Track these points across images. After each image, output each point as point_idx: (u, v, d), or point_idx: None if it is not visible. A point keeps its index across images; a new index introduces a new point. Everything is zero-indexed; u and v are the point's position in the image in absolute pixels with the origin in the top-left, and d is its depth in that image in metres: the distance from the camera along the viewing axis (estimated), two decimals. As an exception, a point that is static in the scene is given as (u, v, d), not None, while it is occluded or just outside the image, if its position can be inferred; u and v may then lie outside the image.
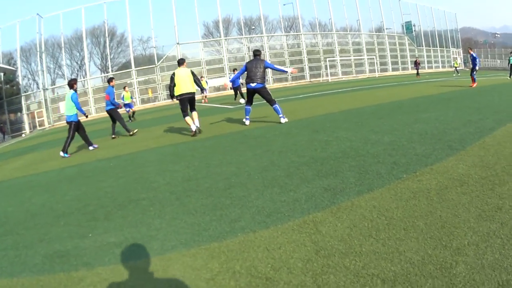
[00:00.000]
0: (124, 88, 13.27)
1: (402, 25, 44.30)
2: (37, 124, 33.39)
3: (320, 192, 2.52)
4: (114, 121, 9.07)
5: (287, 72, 8.23)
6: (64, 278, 1.99)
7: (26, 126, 33.15)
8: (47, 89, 33.10)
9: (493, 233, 1.61)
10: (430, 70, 44.07)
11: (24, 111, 33.05)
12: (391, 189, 2.37)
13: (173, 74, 6.71)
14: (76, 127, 7.27)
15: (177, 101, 6.83)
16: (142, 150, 6.12)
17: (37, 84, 34.63)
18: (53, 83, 34.38)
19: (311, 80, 35.33)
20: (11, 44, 35.05)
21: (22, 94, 32.81)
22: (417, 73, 26.11)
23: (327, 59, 35.26)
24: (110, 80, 9.24)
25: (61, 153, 7.03)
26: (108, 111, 9.09)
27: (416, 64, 26.87)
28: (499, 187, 2.17)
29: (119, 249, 2.26)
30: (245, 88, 7.00)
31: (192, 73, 6.84)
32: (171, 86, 6.75)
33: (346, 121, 5.72)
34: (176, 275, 1.76)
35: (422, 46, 44.79)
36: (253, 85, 6.52)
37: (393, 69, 41.06)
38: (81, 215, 3.16)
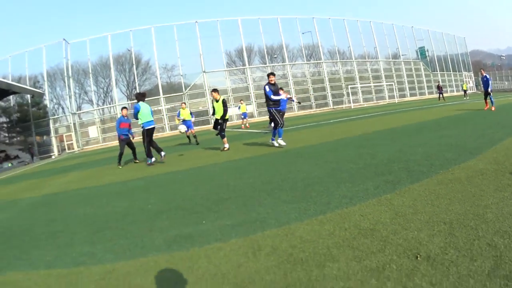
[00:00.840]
0: (182, 104, 13.37)
1: (416, 51, 45.32)
2: (66, 147, 33.88)
3: (382, 184, 3.44)
4: (132, 148, 9.71)
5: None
6: (194, 253, 2.49)
7: (55, 148, 33.73)
8: (75, 113, 33.70)
9: (505, 198, 2.63)
10: (445, 95, 44.86)
11: (53, 134, 33.59)
12: (434, 179, 3.35)
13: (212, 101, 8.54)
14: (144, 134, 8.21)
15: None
16: (201, 166, 6.88)
17: (63, 108, 35.16)
18: (79, 108, 34.99)
19: (334, 107, 36.01)
20: (37, 67, 35.62)
21: (50, 117, 33.37)
22: (439, 97, 26.77)
23: (349, 86, 35.99)
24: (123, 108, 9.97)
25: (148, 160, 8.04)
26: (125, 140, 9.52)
27: (439, 88, 27.70)
28: (508, 174, 3.24)
29: (240, 228, 2.83)
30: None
31: (223, 101, 8.60)
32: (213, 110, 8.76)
33: (382, 139, 6.70)
34: (302, 236, 2.44)
35: (437, 71, 45.72)
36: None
37: (411, 95, 41.91)
38: (180, 211, 3.69)
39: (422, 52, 44.50)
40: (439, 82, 32.83)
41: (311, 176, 4.26)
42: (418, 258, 1.86)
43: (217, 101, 8.59)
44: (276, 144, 7.71)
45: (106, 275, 2.46)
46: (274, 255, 2.22)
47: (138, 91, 33.30)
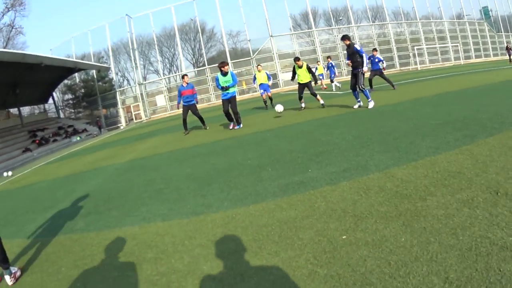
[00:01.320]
0: (257, 66, 12.89)
1: (480, 11, 42.73)
2: (134, 117, 34.03)
3: (461, 137, 3.74)
4: (198, 116, 9.98)
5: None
6: (310, 195, 2.84)
7: (122, 119, 33.90)
8: (142, 83, 33.72)
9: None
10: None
11: (120, 105, 33.76)
12: (505, 134, 3.55)
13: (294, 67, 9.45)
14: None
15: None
16: (288, 125, 7.17)
17: (128, 80, 35.28)
18: (144, 79, 35.01)
19: (401, 68, 34.55)
20: (101, 44, 35.71)
21: (117, 90, 33.48)
22: (510, 59, 25.03)
23: (415, 47, 34.38)
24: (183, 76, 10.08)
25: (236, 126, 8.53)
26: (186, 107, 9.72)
27: (508, 50, 25.97)
28: None
29: (346, 173, 3.25)
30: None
31: (307, 67, 9.38)
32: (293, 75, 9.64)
33: (456, 99, 6.74)
34: (402, 178, 2.89)
35: (501, 32, 43.09)
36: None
37: (476, 56, 39.73)
38: (282, 163, 4.02)
39: (486, 12, 41.95)
40: (508, 43, 30.65)
41: (397, 131, 4.59)
42: (498, 194, 2.26)
43: (300, 67, 9.23)
44: (370, 105, 7.57)
45: (230, 219, 2.69)
46: (382, 193, 2.64)
47: (204, 59, 32.88)
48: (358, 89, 7.53)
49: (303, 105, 9.64)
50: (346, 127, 5.57)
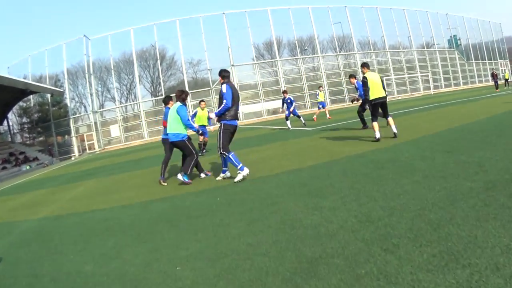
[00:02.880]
0: (200, 103, 10.66)
1: (449, 40, 42.75)
2: (87, 147, 32.63)
3: None
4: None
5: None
6: None
7: (75, 149, 32.43)
8: (96, 111, 32.31)
9: None
10: (481, 85, 42.39)
11: (73, 133, 32.29)
12: None
13: (365, 78, 6.83)
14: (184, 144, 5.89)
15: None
16: (229, 186, 5.36)
17: (85, 107, 33.91)
18: (102, 106, 33.60)
19: (367, 101, 33.89)
20: (58, 66, 34.31)
21: (71, 117, 32.14)
22: (496, 86, 24.43)
23: (383, 78, 33.86)
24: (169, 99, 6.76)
25: (180, 176, 5.64)
26: (173, 142, 6.08)
27: (494, 76, 25.30)
28: None
29: None
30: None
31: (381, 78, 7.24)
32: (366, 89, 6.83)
33: (471, 140, 5.39)
34: None
35: (472, 60, 43.12)
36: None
37: (446, 85, 39.53)
38: None
39: (455, 41, 41.86)
40: (493, 69, 30.12)
41: (423, 206, 2.83)
42: None
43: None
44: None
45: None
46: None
47: (162, 88, 31.61)
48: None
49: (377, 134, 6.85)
50: (338, 193, 3.58)
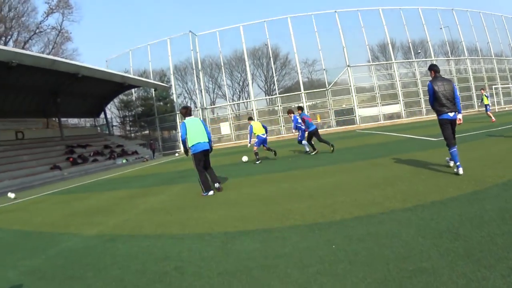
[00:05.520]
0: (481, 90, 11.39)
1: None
2: (195, 144, 32.29)
3: None
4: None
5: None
6: None
7: (181, 145, 32.27)
8: (206, 108, 32.12)
9: None
10: None
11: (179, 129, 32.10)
12: None
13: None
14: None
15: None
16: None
17: (194, 103, 33.85)
18: (213, 103, 33.40)
19: (479, 109, 32.80)
20: (162, 61, 34.37)
21: (177, 112, 32.02)
22: None
23: (493, 86, 32.78)
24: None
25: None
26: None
27: None
28: None
29: None
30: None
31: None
32: None
33: None
34: None
35: None
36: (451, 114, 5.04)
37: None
38: None
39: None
40: None
41: None
42: None
43: None
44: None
45: None
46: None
47: (277, 88, 31.23)
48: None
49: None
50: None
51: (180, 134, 6.61)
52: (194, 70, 31.80)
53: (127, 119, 35.49)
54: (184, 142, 6.37)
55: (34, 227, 5.75)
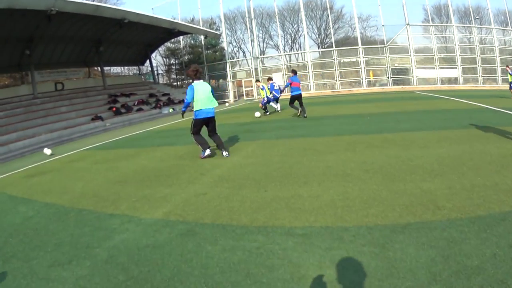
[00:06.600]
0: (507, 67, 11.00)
1: None
2: (244, 94, 32.16)
3: None
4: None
5: None
6: None
7: (231, 94, 32.00)
8: (258, 57, 31.64)
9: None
10: None
11: (229, 78, 31.84)
12: None
13: None
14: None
15: None
16: None
17: (244, 52, 33.32)
18: (263, 53, 32.91)
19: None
20: (210, 8, 33.57)
21: (228, 60, 31.63)
22: None
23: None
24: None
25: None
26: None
27: None
28: None
29: None
30: None
31: None
32: None
33: None
34: None
35: None
36: None
37: None
38: None
39: None
40: None
41: None
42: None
43: None
44: None
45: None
46: None
47: (332, 41, 30.70)
48: None
49: None
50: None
51: (186, 97, 6.04)
52: (247, 18, 31.31)
53: (173, 67, 35.22)
54: (187, 106, 6.05)
55: (73, 201, 4.41)
